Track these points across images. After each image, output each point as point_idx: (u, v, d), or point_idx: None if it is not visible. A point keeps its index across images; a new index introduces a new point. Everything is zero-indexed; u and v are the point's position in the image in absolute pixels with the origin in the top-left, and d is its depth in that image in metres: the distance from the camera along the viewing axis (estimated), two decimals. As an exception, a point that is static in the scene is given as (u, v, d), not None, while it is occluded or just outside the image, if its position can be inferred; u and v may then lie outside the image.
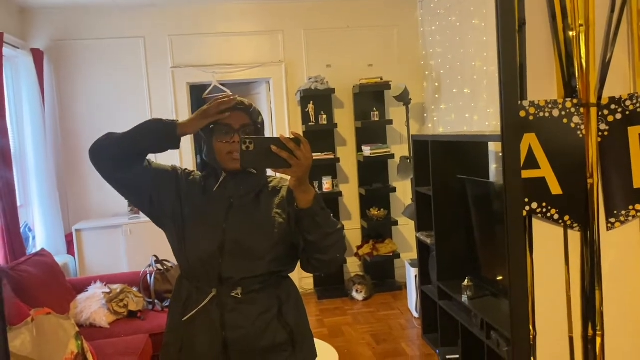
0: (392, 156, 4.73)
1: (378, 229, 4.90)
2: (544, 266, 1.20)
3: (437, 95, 4.64)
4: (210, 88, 4.64)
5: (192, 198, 1.53)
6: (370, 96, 4.83)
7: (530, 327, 1.19)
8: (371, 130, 4.86)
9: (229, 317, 1.45)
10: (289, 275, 1.59)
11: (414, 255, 4.08)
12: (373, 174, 4.90)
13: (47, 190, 4.20)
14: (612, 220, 1.21)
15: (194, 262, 1.48)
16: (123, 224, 4.30)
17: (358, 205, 5.03)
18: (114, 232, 4.31)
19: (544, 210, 1.19)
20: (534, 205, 1.19)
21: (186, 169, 1.62)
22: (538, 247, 1.20)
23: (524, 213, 1.19)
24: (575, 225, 1.21)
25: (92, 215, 4.58)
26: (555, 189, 1.18)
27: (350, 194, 4.99)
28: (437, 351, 3.54)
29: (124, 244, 4.30)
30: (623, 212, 1.21)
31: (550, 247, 1.21)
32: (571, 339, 1.22)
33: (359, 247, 4.91)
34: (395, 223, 4.85)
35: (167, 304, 3.46)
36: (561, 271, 1.21)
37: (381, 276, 4.91)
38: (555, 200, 1.19)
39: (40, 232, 4.16)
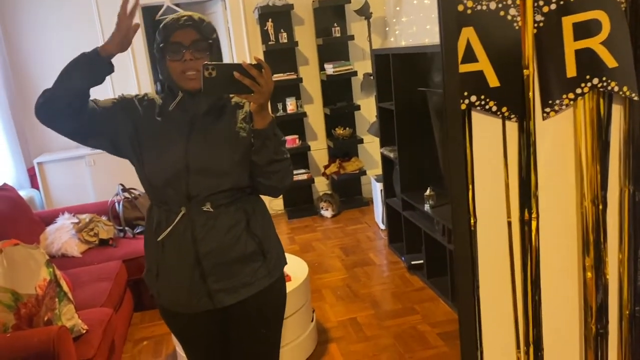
0: (354, 73, 4.69)
1: (344, 148, 4.96)
2: (483, 157, 1.26)
3: (397, 8, 4.55)
4: (163, 9, 4.43)
5: (150, 121, 1.52)
6: (331, 11, 4.70)
7: (471, 215, 1.27)
8: (333, 47, 4.77)
9: (199, 231, 1.49)
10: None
11: (379, 171, 4.17)
12: (337, 93, 4.87)
13: (3, 125, 4.08)
14: (547, 110, 1.26)
15: (161, 185, 1.50)
16: (86, 155, 4.25)
17: (323, 125, 5.04)
18: (77, 163, 4.27)
19: (483, 102, 1.23)
20: (473, 98, 1.22)
21: (137, 94, 1.60)
22: (477, 138, 1.26)
23: (463, 107, 1.23)
24: (512, 116, 1.26)
25: (53, 147, 4.50)
26: (493, 81, 1.22)
27: (315, 114, 4.98)
28: (403, 258, 3.72)
29: (89, 175, 4.27)
30: (557, 102, 1.25)
31: (489, 138, 1.26)
32: (509, 223, 1.31)
33: (325, 167, 4.99)
34: (361, 141, 4.90)
35: (138, 231, 3.51)
36: (499, 160, 1.27)
37: (349, 193, 5.03)
38: (493, 92, 1.23)
39: (0, 167, 4.09)
